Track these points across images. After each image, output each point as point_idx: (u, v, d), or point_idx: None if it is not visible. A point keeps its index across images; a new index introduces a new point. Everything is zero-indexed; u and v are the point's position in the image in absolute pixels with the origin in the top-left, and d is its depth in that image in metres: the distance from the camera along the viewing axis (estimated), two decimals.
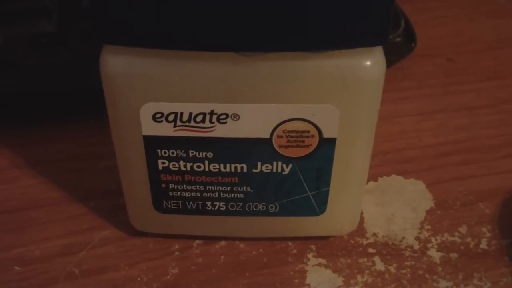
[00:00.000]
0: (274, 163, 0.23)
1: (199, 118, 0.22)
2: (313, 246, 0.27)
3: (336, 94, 0.21)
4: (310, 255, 0.26)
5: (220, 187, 0.24)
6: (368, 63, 0.21)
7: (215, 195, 0.25)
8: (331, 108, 0.22)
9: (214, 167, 0.24)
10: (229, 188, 0.24)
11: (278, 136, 0.23)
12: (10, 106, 0.32)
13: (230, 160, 0.23)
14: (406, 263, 0.26)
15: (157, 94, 0.21)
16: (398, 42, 0.36)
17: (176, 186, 0.24)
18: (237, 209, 0.25)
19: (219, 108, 0.22)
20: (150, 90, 0.21)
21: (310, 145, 0.23)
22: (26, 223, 0.28)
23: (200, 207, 0.25)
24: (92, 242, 0.27)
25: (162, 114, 0.22)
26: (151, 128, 0.22)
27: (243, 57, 0.21)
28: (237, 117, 0.22)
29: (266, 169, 0.24)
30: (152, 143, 0.23)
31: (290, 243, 0.27)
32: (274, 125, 0.22)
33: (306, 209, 0.25)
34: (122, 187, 0.25)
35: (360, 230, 0.27)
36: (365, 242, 0.27)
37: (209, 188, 0.24)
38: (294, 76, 0.21)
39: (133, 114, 0.22)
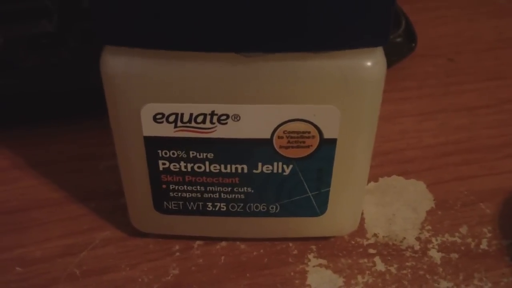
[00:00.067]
0: (275, 163, 0.23)
1: (199, 119, 0.22)
2: (313, 247, 0.27)
3: (336, 94, 0.21)
4: (310, 256, 0.26)
5: (220, 188, 0.24)
6: (369, 63, 0.21)
7: (215, 195, 0.25)
8: (331, 108, 0.22)
9: (214, 167, 0.24)
10: (229, 188, 0.24)
11: (279, 137, 0.23)
12: (10, 106, 0.32)
13: (231, 160, 0.23)
14: (407, 263, 0.26)
15: (158, 94, 0.21)
16: (398, 42, 0.36)
17: (176, 187, 0.24)
18: (238, 209, 0.25)
19: (220, 108, 0.22)
20: (150, 91, 0.21)
21: (311, 145, 0.23)
22: (26, 223, 0.28)
23: (200, 208, 0.25)
24: (93, 242, 0.27)
25: (163, 114, 0.22)
26: (151, 129, 0.22)
27: (243, 58, 0.20)
28: (238, 118, 0.22)
29: (267, 170, 0.24)
30: (153, 144, 0.23)
31: (290, 244, 0.27)
32: (275, 126, 0.22)
33: (306, 209, 0.25)
34: (122, 187, 0.25)
35: (361, 230, 0.27)
36: (365, 242, 0.27)
37: (209, 188, 0.24)
38: (294, 77, 0.21)
39: (134, 114, 0.22)
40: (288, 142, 0.23)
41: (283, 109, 0.22)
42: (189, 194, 0.25)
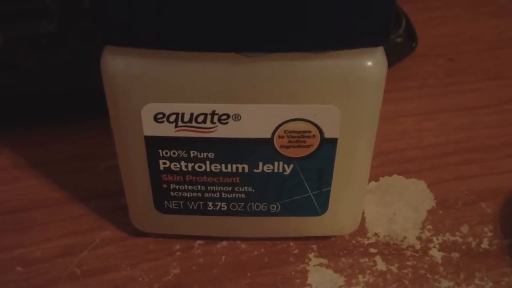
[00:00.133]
0: (276, 163, 0.23)
1: (200, 119, 0.22)
2: (314, 246, 0.27)
3: (337, 94, 0.21)
4: (311, 255, 0.26)
5: (221, 187, 0.24)
6: (370, 63, 0.21)
7: (216, 195, 0.25)
8: (332, 108, 0.22)
9: (215, 167, 0.24)
10: (230, 188, 0.24)
11: (280, 136, 0.23)
12: (10, 106, 0.32)
13: (232, 160, 0.23)
14: (408, 263, 0.26)
15: (159, 94, 0.21)
16: (399, 42, 0.36)
17: (177, 187, 0.24)
18: (239, 209, 0.25)
19: (221, 108, 0.22)
20: (151, 91, 0.21)
21: (312, 145, 0.23)
22: (27, 223, 0.28)
23: (201, 207, 0.25)
24: (93, 242, 0.27)
25: (164, 114, 0.22)
26: (152, 129, 0.22)
27: (244, 58, 0.21)
28: (239, 118, 0.22)
29: (268, 169, 0.24)
30: (154, 144, 0.23)
31: (291, 243, 0.27)
32: (276, 126, 0.22)
33: (307, 209, 0.25)
34: (123, 187, 0.25)
35: (362, 230, 0.27)
36: (366, 242, 0.27)
37: (210, 188, 0.24)
38: (295, 77, 0.21)
39: (135, 114, 0.22)
40: (289, 141, 0.23)
41: (284, 109, 0.22)
42: (189, 194, 0.25)
